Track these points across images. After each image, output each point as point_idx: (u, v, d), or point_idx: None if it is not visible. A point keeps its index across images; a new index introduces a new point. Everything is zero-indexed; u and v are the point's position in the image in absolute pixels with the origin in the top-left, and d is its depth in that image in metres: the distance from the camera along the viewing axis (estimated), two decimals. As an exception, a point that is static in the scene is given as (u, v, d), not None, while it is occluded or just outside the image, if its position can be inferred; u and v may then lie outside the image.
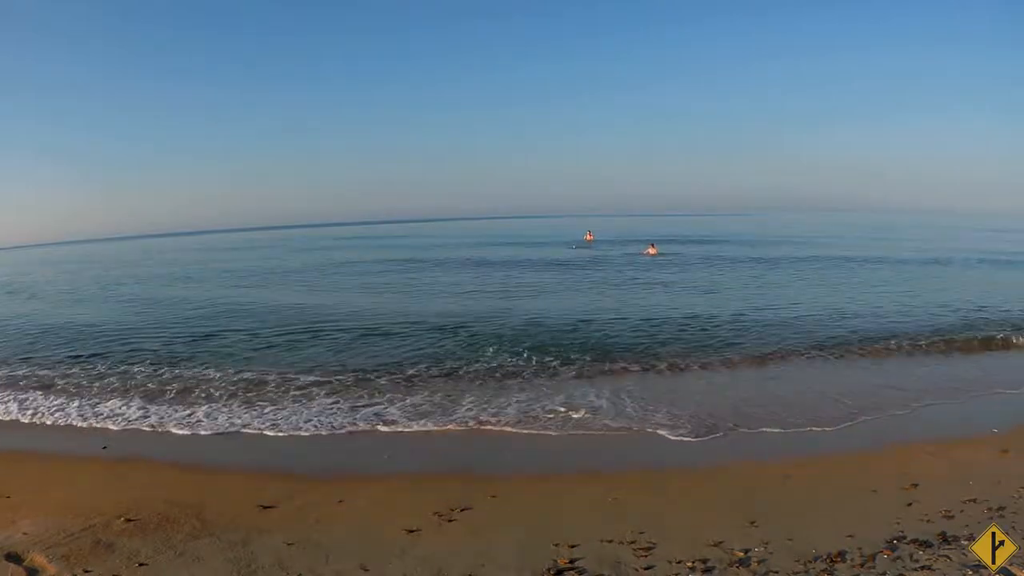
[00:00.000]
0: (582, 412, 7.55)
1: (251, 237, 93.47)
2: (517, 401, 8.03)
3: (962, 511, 4.74)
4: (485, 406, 7.87)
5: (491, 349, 10.66)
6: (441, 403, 8.05)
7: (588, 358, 10.00)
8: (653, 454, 6.46)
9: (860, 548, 4.17)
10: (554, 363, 9.78)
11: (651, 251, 28.93)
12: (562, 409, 7.67)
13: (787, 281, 19.95)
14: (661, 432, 6.91)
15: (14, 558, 4.45)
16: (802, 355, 10.25)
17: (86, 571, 4.26)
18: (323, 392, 8.66)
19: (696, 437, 6.76)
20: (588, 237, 39.08)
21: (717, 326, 12.40)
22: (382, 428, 7.35)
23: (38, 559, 4.43)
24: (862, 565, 3.95)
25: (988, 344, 10.93)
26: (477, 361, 10.01)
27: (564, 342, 11.08)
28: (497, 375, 9.33)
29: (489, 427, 7.27)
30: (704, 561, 4.09)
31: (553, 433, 7.04)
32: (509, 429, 7.18)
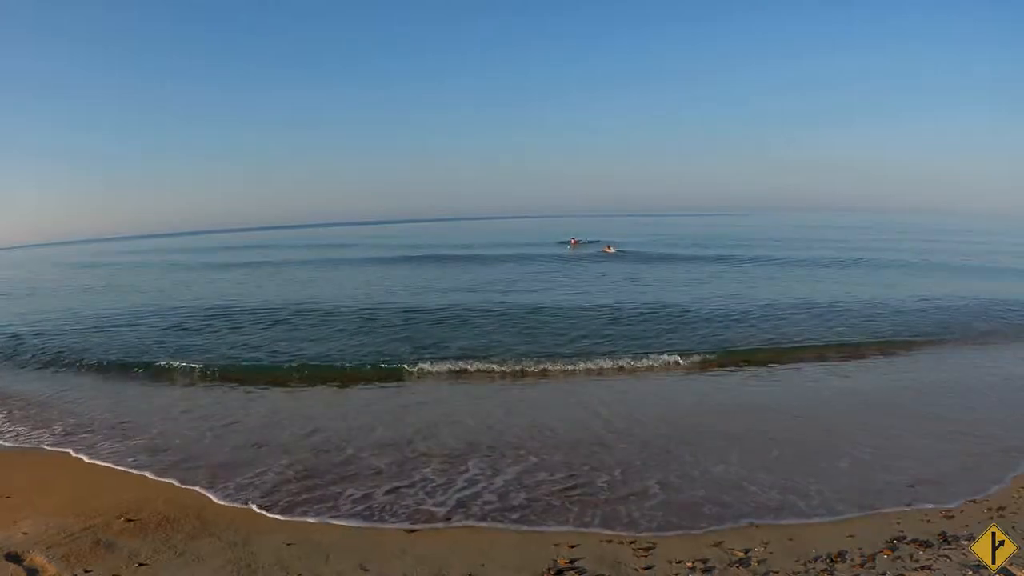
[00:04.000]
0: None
1: (231, 239, 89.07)
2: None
3: (962, 511, 4.74)
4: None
5: None
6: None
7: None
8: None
9: (860, 548, 4.18)
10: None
11: (608, 250, 34.12)
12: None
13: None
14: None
15: (14, 558, 4.45)
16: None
17: (86, 571, 4.25)
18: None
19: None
20: (572, 243, 40.62)
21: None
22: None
23: (38, 559, 4.43)
24: (862, 565, 3.96)
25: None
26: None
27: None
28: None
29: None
30: (704, 561, 4.09)
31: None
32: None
